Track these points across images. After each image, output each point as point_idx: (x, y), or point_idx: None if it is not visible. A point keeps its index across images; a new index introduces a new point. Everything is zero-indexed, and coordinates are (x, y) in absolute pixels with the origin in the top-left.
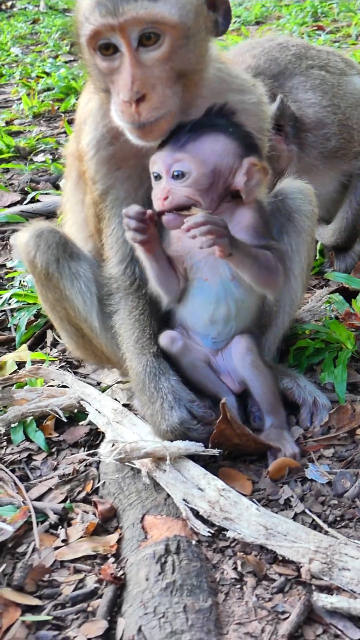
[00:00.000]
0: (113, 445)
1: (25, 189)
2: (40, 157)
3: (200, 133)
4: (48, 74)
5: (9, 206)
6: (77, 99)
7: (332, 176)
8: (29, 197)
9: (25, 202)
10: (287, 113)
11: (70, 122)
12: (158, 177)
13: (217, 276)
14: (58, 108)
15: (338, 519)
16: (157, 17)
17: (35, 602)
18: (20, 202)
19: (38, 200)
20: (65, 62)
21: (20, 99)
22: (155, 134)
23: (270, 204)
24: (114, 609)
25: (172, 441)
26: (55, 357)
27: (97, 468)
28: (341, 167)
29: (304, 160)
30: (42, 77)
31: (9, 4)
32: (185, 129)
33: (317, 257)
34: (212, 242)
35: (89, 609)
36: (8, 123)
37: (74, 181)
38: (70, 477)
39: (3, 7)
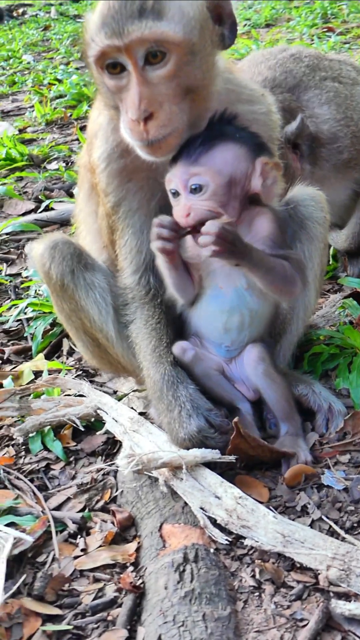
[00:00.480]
0: (130, 456)
1: (39, 197)
2: (53, 165)
3: (211, 144)
4: (60, 81)
5: (23, 214)
6: (89, 106)
7: (345, 185)
8: (43, 205)
9: (40, 210)
10: (306, 133)
11: (82, 129)
12: (176, 194)
13: (231, 284)
14: (70, 115)
15: (355, 525)
16: (161, 36)
17: (56, 611)
18: (34, 211)
19: (52, 209)
20: (77, 69)
21: (32, 106)
22: (165, 151)
23: (283, 211)
24: (134, 618)
25: (189, 449)
26: (72, 366)
27: (115, 477)
28: (353, 176)
29: (317, 173)
30: (54, 84)
31: (21, 10)
32: (195, 143)
33: (330, 262)
34: (213, 252)
35: (109, 618)
36: (21, 131)
37: (87, 192)
38: (88, 486)
39: (15, 14)
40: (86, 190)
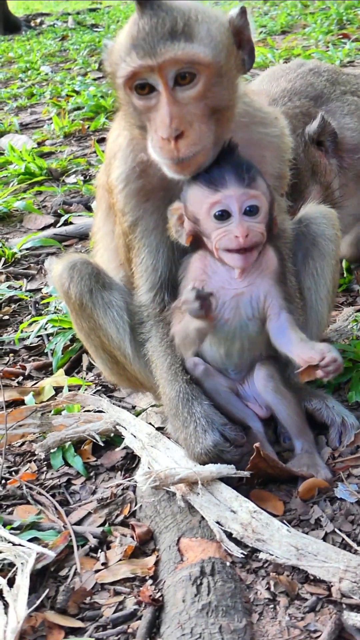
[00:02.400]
0: (148, 470)
1: (58, 211)
2: (72, 179)
3: (254, 171)
4: (77, 93)
5: (42, 229)
6: (106, 118)
7: None
8: (62, 219)
9: (59, 224)
10: (328, 129)
11: (100, 141)
12: (224, 215)
13: (237, 316)
14: (88, 127)
15: None
16: (193, 57)
17: (78, 624)
18: (53, 225)
19: (71, 223)
20: (94, 80)
21: (51, 118)
22: (193, 168)
23: (295, 229)
24: (153, 630)
25: (206, 463)
26: (91, 382)
27: (134, 492)
28: None
29: (341, 178)
30: (72, 96)
31: (38, 20)
32: (240, 167)
33: (344, 275)
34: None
35: (129, 630)
36: (40, 144)
37: (105, 212)
38: (108, 500)
39: (32, 24)
40: (104, 209)
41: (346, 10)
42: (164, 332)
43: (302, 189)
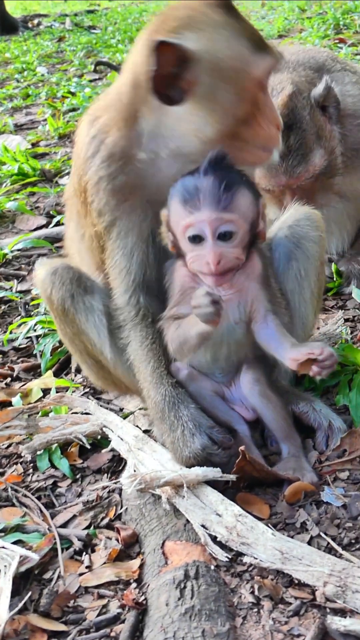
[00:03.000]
0: (134, 472)
1: (51, 212)
2: (65, 180)
3: (234, 190)
4: (73, 94)
5: (34, 230)
6: None
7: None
8: (54, 220)
9: (51, 225)
10: (332, 95)
11: None
12: (197, 239)
13: (225, 321)
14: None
15: (353, 541)
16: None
17: (61, 627)
18: (45, 226)
19: (63, 224)
20: (90, 81)
21: (46, 119)
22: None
23: (278, 230)
24: (136, 634)
25: (194, 466)
26: (80, 383)
27: (120, 494)
28: None
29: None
30: (68, 97)
31: (36, 22)
32: (217, 188)
33: (335, 278)
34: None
35: (112, 634)
36: (34, 145)
37: (75, 219)
38: (93, 503)
39: (30, 25)
40: (74, 217)
41: (343, 15)
42: (142, 334)
43: (306, 152)
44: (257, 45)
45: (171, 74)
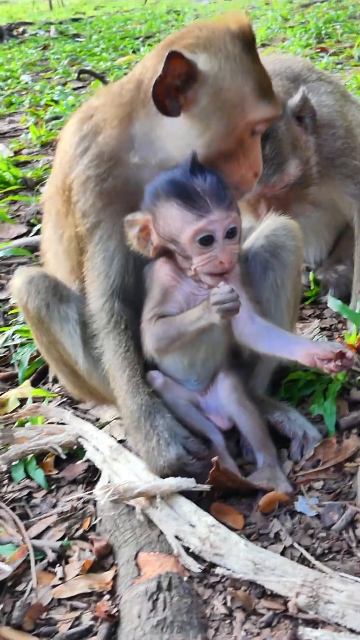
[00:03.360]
0: (108, 483)
1: (32, 220)
2: (44, 189)
3: (227, 187)
4: (56, 102)
5: (15, 238)
6: None
7: (340, 190)
8: (35, 229)
9: (31, 234)
10: (308, 106)
11: None
12: (209, 240)
13: None
14: (58, 139)
15: (326, 551)
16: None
17: None
18: (26, 234)
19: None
20: (74, 89)
21: (28, 128)
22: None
23: (255, 240)
24: None
25: (169, 476)
26: (57, 393)
27: (95, 505)
28: (345, 174)
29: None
30: (51, 105)
31: (21, 29)
32: (218, 186)
33: (312, 287)
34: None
35: None
36: (16, 153)
37: (54, 219)
38: (68, 514)
39: (15, 32)
40: (53, 216)
41: (325, 24)
42: (115, 343)
43: (281, 161)
44: (262, 92)
45: (174, 86)
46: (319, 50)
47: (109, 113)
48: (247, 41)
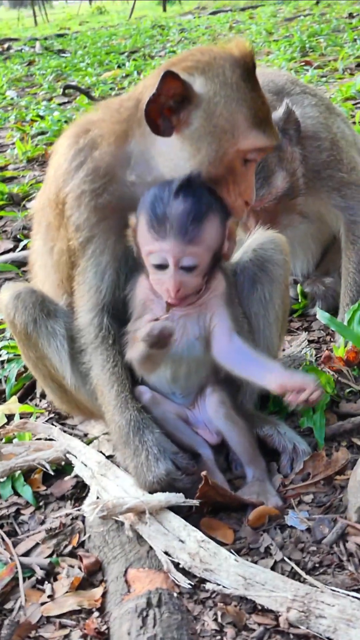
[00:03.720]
0: (97, 499)
1: (18, 236)
2: (33, 204)
3: (200, 221)
4: (42, 117)
5: (2, 254)
6: None
7: (326, 203)
8: (22, 244)
9: (18, 249)
10: (292, 118)
11: None
12: (161, 267)
13: (185, 336)
14: (51, 152)
15: (317, 565)
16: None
17: None
18: (13, 250)
19: (29, 248)
20: (59, 105)
21: (14, 143)
22: None
23: (243, 254)
24: None
25: (157, 492)
26: (44, 409)
27: (83, 521)
28: (331, 187)
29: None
30: (36, 121)
31: (6, 45)
32: (185, 219)
33: (300, 300)
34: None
35: None
36: (2, 169)
37: (44, 231)
38: (56, 531)
39: (0, 48)
40: (44, 228)
41: (309, 37)
42: (103, 358)
43: (268, 174)
44: (257, 121)
45: (168, 106)
46: (303, 63)
47: (107, 129)
48: (247, 68)
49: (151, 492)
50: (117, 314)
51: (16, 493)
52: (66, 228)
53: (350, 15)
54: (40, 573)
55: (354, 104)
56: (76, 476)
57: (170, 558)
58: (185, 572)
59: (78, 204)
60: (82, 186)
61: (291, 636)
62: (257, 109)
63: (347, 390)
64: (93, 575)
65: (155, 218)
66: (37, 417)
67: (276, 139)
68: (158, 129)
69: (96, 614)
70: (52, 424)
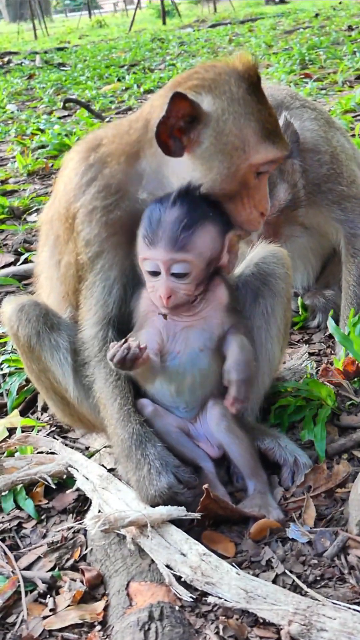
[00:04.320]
0: (99, 512)
1: (19, 249)
2: (33, 217)
3: (193, 228)
4: (42, 131)
5: (3, 267)
6: None
7: (326, 216)
8: (22, 258)
9: (19, 263)
10: (291, 130)
11: None
12: (154, 273)
13: (188, 348)
14: (52, 165)
15: (318, 578)
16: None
17: None
18: (13, 263)
19: (31, 261)
20: (59, 118)
21: (15, 157)
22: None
23: (245, 268)
24: None
25: (159, 505)
26: (46, 422)
27: (85, 535)
28: (331, 201)
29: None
30: (37, 134)
31: (6, 59)
32: (176, 226)
33: (300, 312)
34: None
35: None
36: (3, 182)
37: (52, 243)
38: (58, 544)
39: (0, 62)
40: (52, 241)
41: (308, 50)
42: (106, 371)
43: (271, 187)
44: (266, 133)
45: (178, 127)
46: (303, 76)
47: (117, 149)
48: (252, 82)
49: (153, 506)
50: (122, 328)
51: (18, 506)
52: (75, 242)
53: (350, 28)
54: (42, 587)
55: (353, 117)
56: (78, 489)
57: (172, 571)
58: (187, 586)
59: (89, 219)
60: (94, 202)
61: None
62: (265, 121)
63: (348, 402)
64: (95, 589)
65: (150, 226)
66: (38, 431)
67: (286, 149)
68: (169, 149)
69: (98, 627)
70: (54, 438)
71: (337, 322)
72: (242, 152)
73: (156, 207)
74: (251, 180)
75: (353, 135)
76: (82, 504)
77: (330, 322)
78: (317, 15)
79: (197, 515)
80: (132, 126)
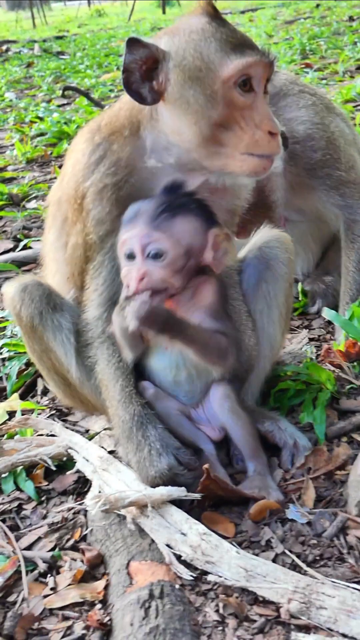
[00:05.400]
0: (99, 493)
1: (18, 236)
2: (32, 204)
3: (173, 213)
4: (41, 119)
5: (2, 253)
6: (69, 144)
7: (322, 200)
8: (21, 244)
9: (18, 249)
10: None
11: (61, 167)
12: (131, 256)
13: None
14: (51, 153)
15: (317, 558)
16: None
17: None
18: (12, 250)
19: (30, 247)
20: (58, 106)
21: (13, 144)
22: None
23: (249, 252)
24: None
25: (159, 486)
26: (46, 406)
27: (85, 515)
28: (327, 184)
29: (292, 172)
30: (36, 122)
31: (4, 48)
32: (157, 209)
33: (300, 298)
34: (136, 327)
35: None
36: (2, 169)
37: (59, 225)
38: (59, 525)
39: None
40: (59, 223)
41: (309, 40)
42: (109, 352)
43: None
44: (230, 47)
45: (143, 73)
46: (303, 66)
47: (118, 125)
48: (209, 14)
49: (153, 487)
50: None
51: (18, 488)
52: (84, 222)
53: (351, 18)
54: (42, 566)
55: (354, 106)
56: (78, 471)
57: (172, 551)
58: (187, 565)
59: (100, 197)
60: (105, 180)
61: (292, 627)
62: (227, 37)
63: (348, 386)
64: (95, 568)
65: (133, 212)
66: (38, 414)
67: (261, 54)
68: (143, 98)
69: (99, 605)
70: (54, 420)
71: (335, 308)
72: (209, 71)
73: (143, 201)
74: (237, 99)
75: (354, 125)
76: (82, 486)
77: (327, 311)
78: (318, 5)
79: (197, 495)
80: (124, 102)
